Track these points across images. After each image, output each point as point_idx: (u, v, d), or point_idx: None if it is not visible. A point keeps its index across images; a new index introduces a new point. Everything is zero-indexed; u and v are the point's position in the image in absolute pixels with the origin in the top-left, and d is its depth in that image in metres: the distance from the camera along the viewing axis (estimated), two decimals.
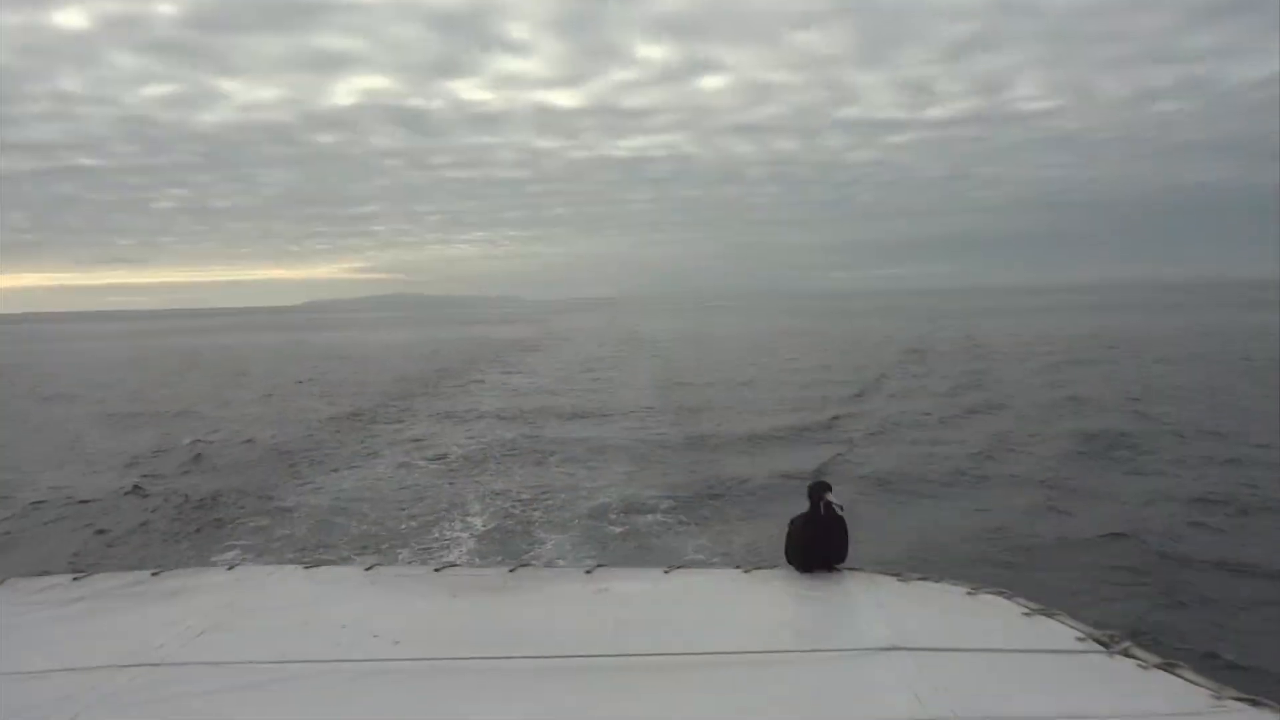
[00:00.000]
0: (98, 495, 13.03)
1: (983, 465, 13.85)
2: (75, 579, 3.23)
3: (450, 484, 13.48)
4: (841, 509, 3.31)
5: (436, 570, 3.34)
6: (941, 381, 25.69)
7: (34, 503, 12.69)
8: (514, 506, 11.79)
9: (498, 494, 12.43)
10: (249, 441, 17.88)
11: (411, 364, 39.07)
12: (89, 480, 14.29)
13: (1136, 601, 7.73)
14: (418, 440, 17.67)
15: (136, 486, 13.39)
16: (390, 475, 14.24)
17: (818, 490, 3.32)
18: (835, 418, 18.20)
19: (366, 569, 3.43)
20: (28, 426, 21.64)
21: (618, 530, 10.65)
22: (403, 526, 10.99)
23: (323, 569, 3.48)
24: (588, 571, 3.23)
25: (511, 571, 3.25)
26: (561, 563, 9.23)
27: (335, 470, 14.78)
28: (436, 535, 10.56)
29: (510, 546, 9.95)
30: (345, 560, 8.58)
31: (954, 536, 9.97)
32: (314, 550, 9.96)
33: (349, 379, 32.49)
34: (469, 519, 11.24)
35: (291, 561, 5.24)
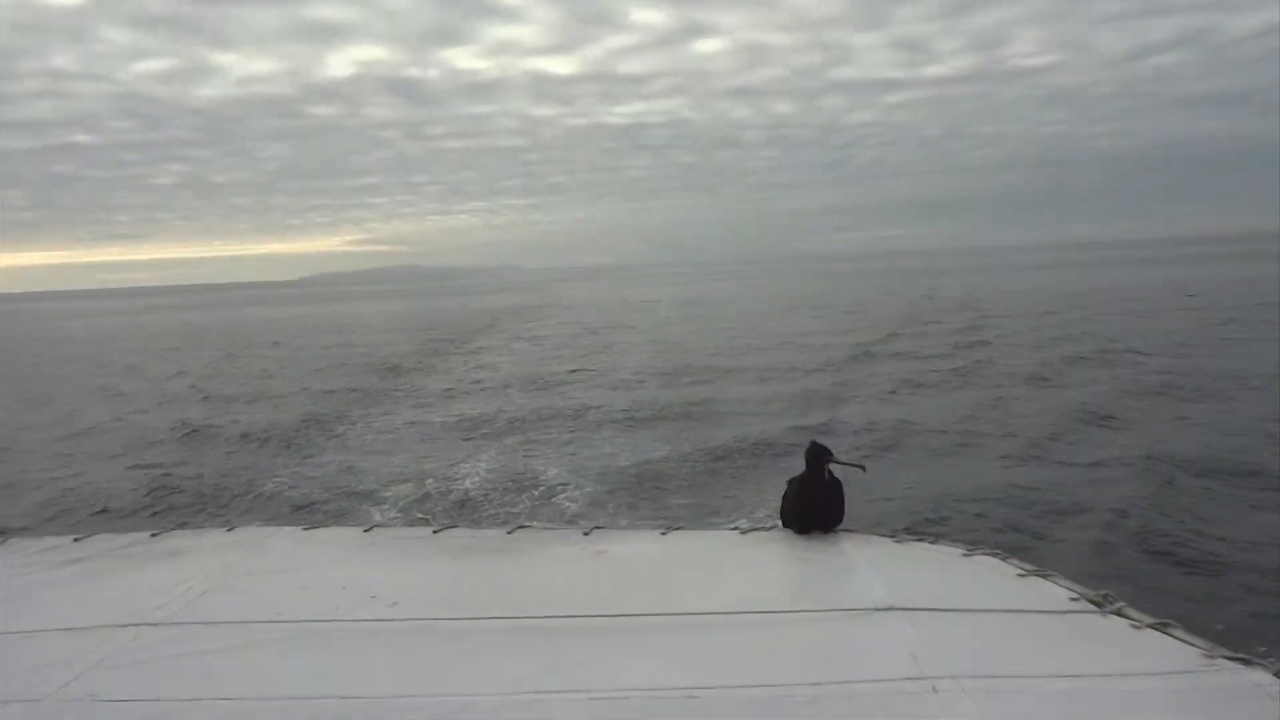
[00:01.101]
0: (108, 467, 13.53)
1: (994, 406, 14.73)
2: (76, 540, 3.27)
3: (461, 434, 14.28)
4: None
5: (435, 532, 3.32)
6: (949, 335, 26.14)
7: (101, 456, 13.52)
8: (518, 454, 12.47)
9: (506, 449, 12.96)
10: (272, 401, 18.73)
11: (420, 333, 39.55)
12: (102, 450, 14.80)
13: (1127, 485, 9.22)
14: (431, 400, 18.38)
15: (141, 463, 13.70)
16: (405, 430, 15.01)
17: (817, 455, 3.19)
18: (841, 381, 18.30)
19: (365, 530, 3.43)
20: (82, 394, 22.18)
21: (620, 464, 11.33)
22: (423, 466, 11.86)
23: (321, 530, 3.50)
24: (585, 533, 3.25)
25: (510, 533, 3.27)
26: (565, 490, 9.94)
27: (353, 424, 15.54)
28: (450, 473, 11.36)
29: (516, 480, 10.68)
30: (345, 521, 9.03)
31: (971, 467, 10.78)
32: (335, 489, 10.69)
33: (360, 349, 32.95)
34: (478, 462, 11.99)
35: (290, 523, 5.35)
